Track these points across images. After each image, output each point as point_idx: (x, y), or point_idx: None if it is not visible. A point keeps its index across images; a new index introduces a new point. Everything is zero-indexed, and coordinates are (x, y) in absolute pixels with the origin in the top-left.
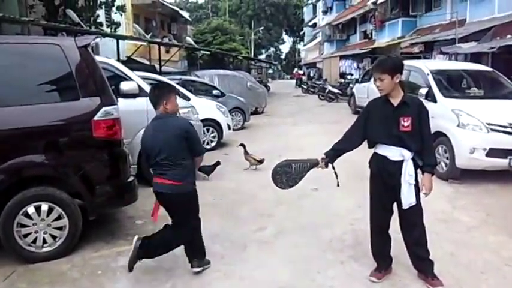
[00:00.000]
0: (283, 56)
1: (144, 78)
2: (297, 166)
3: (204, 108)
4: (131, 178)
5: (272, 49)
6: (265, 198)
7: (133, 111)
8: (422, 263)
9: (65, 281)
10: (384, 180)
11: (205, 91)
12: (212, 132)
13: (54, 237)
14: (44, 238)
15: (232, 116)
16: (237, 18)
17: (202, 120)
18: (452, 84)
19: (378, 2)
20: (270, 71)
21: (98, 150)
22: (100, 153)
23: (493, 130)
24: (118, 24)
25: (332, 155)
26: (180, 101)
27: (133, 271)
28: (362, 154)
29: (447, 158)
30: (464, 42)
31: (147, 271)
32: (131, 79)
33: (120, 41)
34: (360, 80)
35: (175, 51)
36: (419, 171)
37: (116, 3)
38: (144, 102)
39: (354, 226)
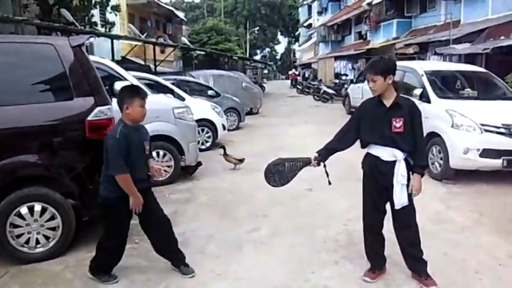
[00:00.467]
0: (278, 57)
1: (139, 78)
2: (289, 165)
3: (198, 108)
4: None
5: (267, 49)
6: (260, 198)
7: None
8: (416, 263)
9: (58, 282)
10: (376, 180)
11: (200, 91)
12: (207, 133)
13: (47, 237)
14: (37, 239)
15: (227, 116)
16: (233, 19)
17: (197, 121)
18: (447, 85)
19: (373, 3)
20: (265, 71)
21: (92, 150)
22: (93, 153)
23: (486, 131)
24: (113, 24)
25: (324, 154)
26: (175, 101)
27: (127, 271)
28: (356, 155)
29: (441, 159)
30: (459, 43)
31: (141, 271)
32: (126, 79)
33: (115, 41)
34: (354, 80)
35: (171, 51)
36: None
37: (111, 3)
38: None
39: (348, 226)
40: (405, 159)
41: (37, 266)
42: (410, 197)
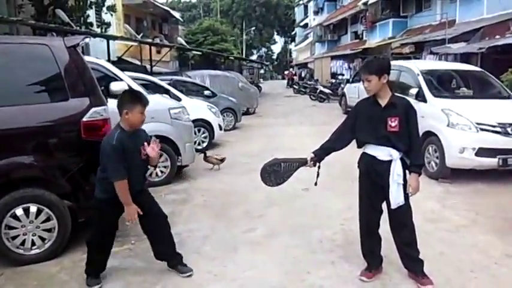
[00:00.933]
0: (274, 57)
1: (134, 79)
2: (285, 165)
3: (195, 108)
4: None
5: (264, 49)
6: (256, 199)
7: None
8: (412, 263)
9: (54, 284)
10: (372, 180)
11: (197, 91)
12: (203, 133)
13: (43, 239)
14: (32, 240)
15: (224, 116)
16: (229, 19)
17: (193, 121)
18: (442, 84)
19: (369, 3)
20: (262, 71)
21: (87, 151)
22: (89, 154)
23: (482, 130)
24: (108, 25)
25: (320, 154)
26: (171, 102)
27: (123, 272)
28: (353, 155)
29: (437, 158)
30: (454, 42)
31: (137, 272)
32: (121, 79)
33: (111, 41)
34: (351, 80)
35: (167, 51)
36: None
37: (107, 3)
38: None
39: (345, 226)
40: (401, 159)
41: (33, 267)
42: (406, 196)
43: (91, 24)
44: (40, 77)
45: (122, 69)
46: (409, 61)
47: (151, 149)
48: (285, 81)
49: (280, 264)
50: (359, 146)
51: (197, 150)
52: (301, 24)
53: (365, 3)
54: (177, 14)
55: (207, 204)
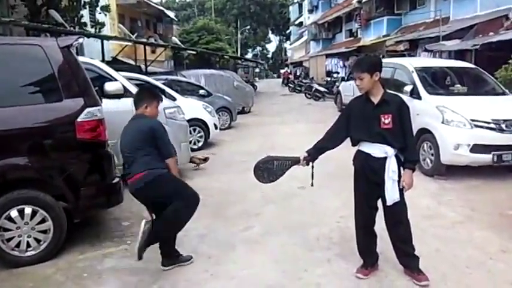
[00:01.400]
0: (269, 55)
1: (129, 79)
2: (278, 163)
3: (190, 108)
4: (116, 179)
5: (259, 48)
6: (253, 197)
7: (118, 112)
8: (408, 259)
9: (50, 285)
10: (367, 177)
11: (192, 91)
12: (199, 132)
13: (38, 240)
14: (27, 242)
15: (219, 115)
16: (223, 17)
17: (188, 120)
18: (437, 81)
19: (363, 1)
20: (257, 70)
21: (82, 152)
22: (84, 155)
23: (476, 126)
24: (103, 25)
25: (314, 153)
26: (166, 101)
27: (119, 273)
28: (347, 152)
29: (432, 155)
30: (448, 40)
31: (134, 272)
32: (116, 80)
33: (105, 42)
34: (346, 78)
35: (161, 51)
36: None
37: (101, 3)
38: (129, 103)
39: (341, 224)
40: (396, 156)
41: (28, 269)
42: (401, 193)
43: (85, 24)
44: (33, 78)
45: (117, 69)
46: (403, 58)
47: None
48: (280, 80)
49: (277, 262)
50: (353, 144)
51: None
52: (296, 22)
53: (359, 1)
54: (171, 14)
55: (203, 203)
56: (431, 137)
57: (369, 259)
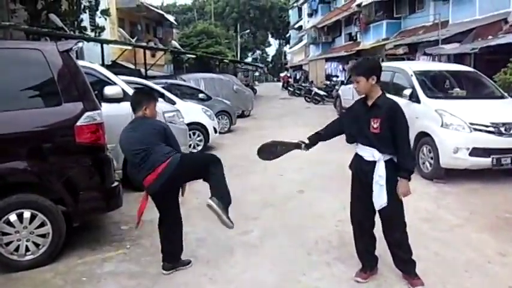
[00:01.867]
0: (269, 59)
1: (129, 83)
2: (281, 148)
3: (189, 112)
4: (115, 183)
5: (258, 52)
6: (251, 201)
7: (118, 116)
8: (404, 264)
9: None
10: (361, 179)
11: (191, 95)
12: (198, 136)
13: (37, 244)
14: (26, 246)
15: (219, 119)
16: (223, 21)
17: (188, 124)
18: (436, 84)
19: (363, 5)
20: (257, 73)
21: (81, 156)
22: (83, 159)
23: (475, 130)
24: (102, 29)
25: (314, 139)
26: (165, 105)
27: (118, 277)
28: (346, 156)
29: (431, 158)
30: (447, 43)
31: (133, 277)
32: (115, 84)
33: (105, 45)
34: (345, 81)
35: (161, 55)
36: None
37: (101, 7)
38: (128, 107)
39: (339, 227)
40: (390, 160)
41: (27, 273)
42: (397, 198)
43: (85, 28)
44: (33, 82)
45: (116, 73)
46: (402, 62)
47: None
48: (280, 84)
49: (275, 266)
50: (347, 141)
51: None
52: (296, 26)
53: (359, 5)
54: (171, 18)
55: (201, 207)
56: (430, 141)
57: (368, 262)
